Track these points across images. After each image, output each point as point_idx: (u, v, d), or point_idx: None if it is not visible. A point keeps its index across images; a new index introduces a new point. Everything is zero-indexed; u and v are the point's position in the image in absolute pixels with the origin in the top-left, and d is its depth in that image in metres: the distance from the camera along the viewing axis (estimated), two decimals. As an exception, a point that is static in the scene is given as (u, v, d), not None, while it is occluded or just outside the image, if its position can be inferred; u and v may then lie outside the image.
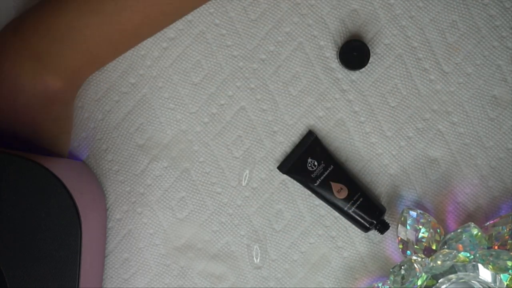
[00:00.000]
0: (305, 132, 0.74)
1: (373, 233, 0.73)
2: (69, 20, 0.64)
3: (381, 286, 0.71)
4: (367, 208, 0.71)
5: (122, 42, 0.67)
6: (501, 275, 0.67)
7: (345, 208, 0.72)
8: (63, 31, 0.64)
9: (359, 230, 0.73)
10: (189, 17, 0.73)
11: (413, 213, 0.70)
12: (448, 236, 0.68)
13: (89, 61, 0.67)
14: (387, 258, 0.74)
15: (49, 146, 0.68)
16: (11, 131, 0.66)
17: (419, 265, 0.68)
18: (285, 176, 0.74)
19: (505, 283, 0.67)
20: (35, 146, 0.67)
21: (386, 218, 0.73)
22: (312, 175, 0.72)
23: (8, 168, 0.58)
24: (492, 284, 0.68)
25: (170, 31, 0.73)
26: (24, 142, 0.66)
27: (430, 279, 0.68)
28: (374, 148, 0.74)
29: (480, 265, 0.68)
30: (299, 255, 0.74)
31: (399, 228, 0.70)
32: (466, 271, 0.68)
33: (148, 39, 0.73)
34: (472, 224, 0.68)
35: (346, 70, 0.73)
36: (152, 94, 0.74)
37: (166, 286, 0.74)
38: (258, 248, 0.74)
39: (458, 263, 0.68)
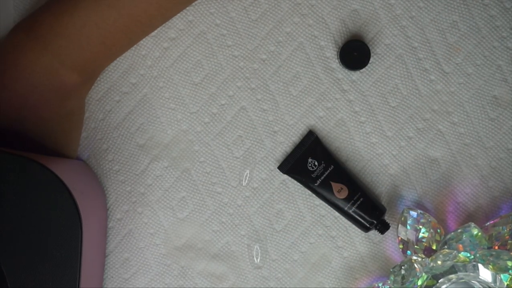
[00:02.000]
0: (305, 132, 0.74)
1: (373, 233, 0.73)
2: (86, 15, 0.64)
3: (381, 286, 0.71)
4: (367, 208, 0.71)
5: (137, 33, 0.68)
6: (501, 275, 0.67)
7: (345, 208, 0.72)
8: (80, 26, 0.64)
9: (359, 230, 0.73)
10: (190, 17, 0.73)
11: (414, 213, 0.70)
12: (448, 236, 0.68)
13: (105, 54, 0.67)
14: (387, 258, 0.74)
15: (59, 145, 0.68)
16: (22, 129, 0.66)
17: (419, 265, 0.68)
18: (285, 176, 0.74)
19: (505, 283, 0.67)
20: (45, 145, 0.67)
21: (386, 218, 0.73)
22: (313, 175, 0.72)
23: (9, 167, 0.58)
24: (492, 284, 0.68)
25: (171, 31, 0.73)
26: (34, 140, 0.66)
27: (430, 279, 0.68)
28: (375, 148, 0.74)
29: (480, 265, 0.68)
30: (299, 255, 0.74)
31: (399, 228, 0.70)
32: (466, 271, 0.68)
33: (149, 39, 0.73)
34: (472, 224, 0.68)
35: (346, 70, 0.74)
36: (153, 94, 0.74)
37: (166, 286, 0.74)
38: (258, 248, 0.74)
39: (458, 263, 0.68)
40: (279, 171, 0.74)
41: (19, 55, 0.65)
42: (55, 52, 0.65)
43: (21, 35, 0.66)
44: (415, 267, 0.67)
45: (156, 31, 0.73)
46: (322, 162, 0.72)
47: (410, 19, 0.73)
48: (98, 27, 0.65)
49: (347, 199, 0.72)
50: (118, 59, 0.73)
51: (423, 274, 0.68)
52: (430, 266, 0.67)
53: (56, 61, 0.65)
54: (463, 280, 0.69)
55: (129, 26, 0.66)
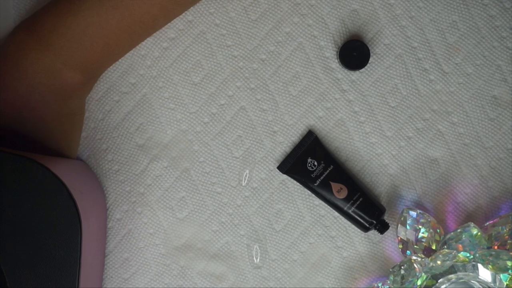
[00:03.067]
0: (305, 132, 0.74)
1: (373, 233, 0.73)
2: (90, 16, 0.64)
3: (381, 286, 0.71)
4: (366, 208, 0.71)
5: (139, 34, 0.68)
6: (501, 275, 0.67)
7: (345, 208, 0.72)
8: (83, 27, 0.64)
9: (358, 230, 0.73)
10: (189, 17, 0.73)
11: (413, 213, 0.70)
12: (448, 236, 0.68)
13: (107, 54, 0.68)
14: (387, 258, 0.74)
15: (60, 145, 0.68)
16: (23, 130, 0.66)
17: (418, 265, 0.68)
18: (285, 176, 0.74)
19: (505, 283, 0.67)
20: (46, 145, 0.67)
21: (386, 218, 0.73)
22: (312, 175, 0.72)
23: (9, 167, 0.58)
24: (492, 284, 0.68)
25: (170, 31, 0.73)
26: (35, 141, 0.66)
27: (429, 279, 0.68)
28: (374, 148, 0.74)
29: (479, 265, 0.68)
30: (299, 255, 0.74)
31: (399, 228, 0.70)
32: (466, 271, 0.68)
33: (148, 39, 0.73)
34: (472, 224, 0.68)
35: (346, 70, 0.74)
36: (152, 94, 0.74)
37: (166, 286, 0.74)
38: (258, 248, 0.74)
39: (458, 263, 0.68)
40: (278, 171, 0.74)
41: (20, 56, 0.65)
42: (58, 53, 0.65)
43: (23, 35, 0.66)
44: (414, 267, 0.67)
45: (155, 31, 0.73)
46: (322, 162, 0.72)
47: (409, 19, 0.73)
48: (102, 28, 0.65)
49: (346, 199, 0.72)
50: (117, 59, 0.73)
51: (423, 274, 0.68)
52: (430, 266, 0.67)
53: (58, 61, 0.65)
54: (462, 280, 0.69)
55: (132, 27, 0.67)
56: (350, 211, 0.72)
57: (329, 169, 0.72)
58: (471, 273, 0.68)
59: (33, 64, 0.65)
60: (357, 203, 0.71)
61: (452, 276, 0.68)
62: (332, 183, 0.72)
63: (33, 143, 0.66)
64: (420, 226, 0.70)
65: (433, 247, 0.70)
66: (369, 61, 0.73)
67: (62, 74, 0.66)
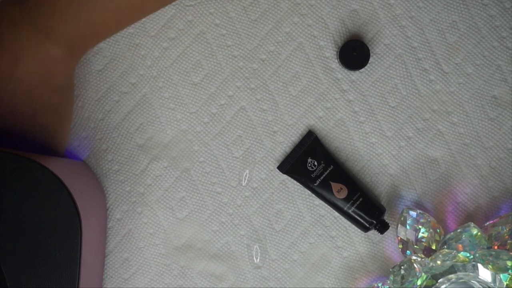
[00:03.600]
0: (305, 132, 0.74)
1: (373, 233, 0.73)
2: None
3: (381, 286, 0.71)
4: (367, 208, 0.71)
5: (128, 15, 0.68)
6: (501, 275, 0.67)
7: (345, 208, 0.72)
8: (69, 2, 0.64)
9: (359, 230, 0.73)
10: (189, 17, 0.73)
11: (413, 213, 0.70)
12: (447, 236, 0.68)
13: (93, 32, 0.67)
14: (387, 258, 0.74)
15: (51, 119, 0.67)
16: (9, 104, 0.65)
17: (418, 265, 0.68)
18: (285, 176, 0.74)
19: (505, 283, 0.67)
20: (36, 120, 0.66)
21: (386, 218, 0.73)
22: (312, 175, 0.72)
23: (9, 167, 0.58)
24: (492, 284, 0.68)
25: (170, 31, 0.73)
26: (23, 115, 0.66)
27: (429, 279, 0.68)
28: (374, 148, 0.74)
29: (479, 265, 0.68)
30: (299, 255, 0.74)
31: (398, 228, 0.70)
32: (466, 271, 0.68)
33: (148, 39, 0.73)
34: (472, 224, 0.68)
35: (346, 70, 0.74)
36: (153, 94, 0.74)
37: (166, 286, 0.74)
38: (258, 248, 0.74)
39: (458, 263, 0.68)
40: (278, 171, 0.74)
41: (3, 29, 0.65)
42: (40, 26, 0.64)
43: (7, 8, 0.65)
44: (414, 267, 0.67)
45: (155, 31, 0.73)
46: (322, 162, 0.72)
47: (409, 19, 0.73)
48: (87, 5, 0.64)
49: (346, 199, 0.72)
50: (117, 59, 0.73)
51: (423, 274, 0.68)
52: (430, 266, 0.67)
53: (41, 35, 0.64)
54: (462, 280, 0.69)
55: (120, 8, 0.66)
56: (350, 211, 0.72)
57: (329, 169, 0.72)
58: (471, 273, 0.68)
59: (16, 38, 0.64)
60: (357, 203, 0.71)
61: (452, 276, 0.68)
62: (332, 183, 0.72)
63: (21, 118, 0.65)
64: (420, 226, 0.70)
65: (433, 247, 0.70)
66: (369, 61, 0.73)
67: (45, 49, 0.65)
